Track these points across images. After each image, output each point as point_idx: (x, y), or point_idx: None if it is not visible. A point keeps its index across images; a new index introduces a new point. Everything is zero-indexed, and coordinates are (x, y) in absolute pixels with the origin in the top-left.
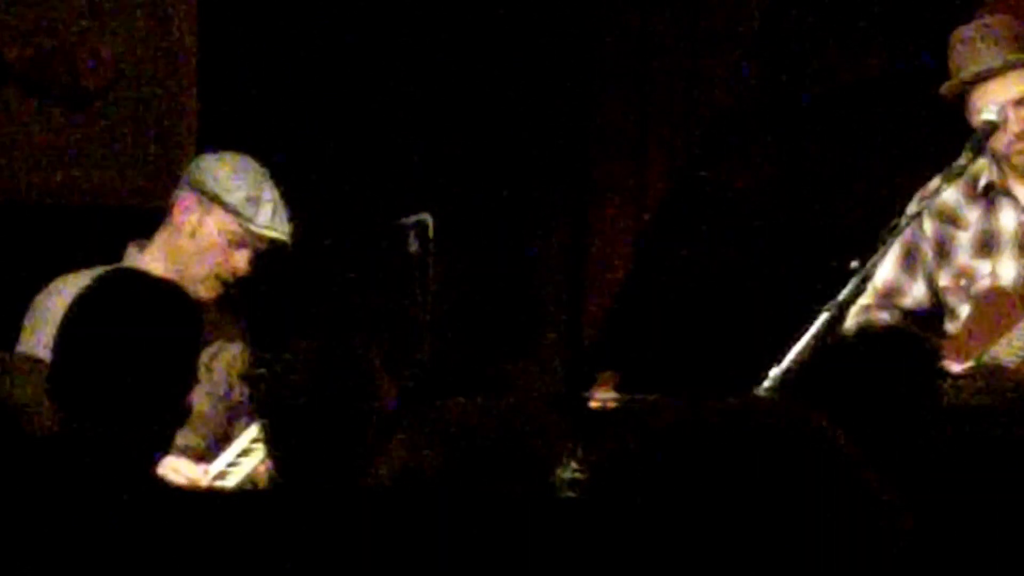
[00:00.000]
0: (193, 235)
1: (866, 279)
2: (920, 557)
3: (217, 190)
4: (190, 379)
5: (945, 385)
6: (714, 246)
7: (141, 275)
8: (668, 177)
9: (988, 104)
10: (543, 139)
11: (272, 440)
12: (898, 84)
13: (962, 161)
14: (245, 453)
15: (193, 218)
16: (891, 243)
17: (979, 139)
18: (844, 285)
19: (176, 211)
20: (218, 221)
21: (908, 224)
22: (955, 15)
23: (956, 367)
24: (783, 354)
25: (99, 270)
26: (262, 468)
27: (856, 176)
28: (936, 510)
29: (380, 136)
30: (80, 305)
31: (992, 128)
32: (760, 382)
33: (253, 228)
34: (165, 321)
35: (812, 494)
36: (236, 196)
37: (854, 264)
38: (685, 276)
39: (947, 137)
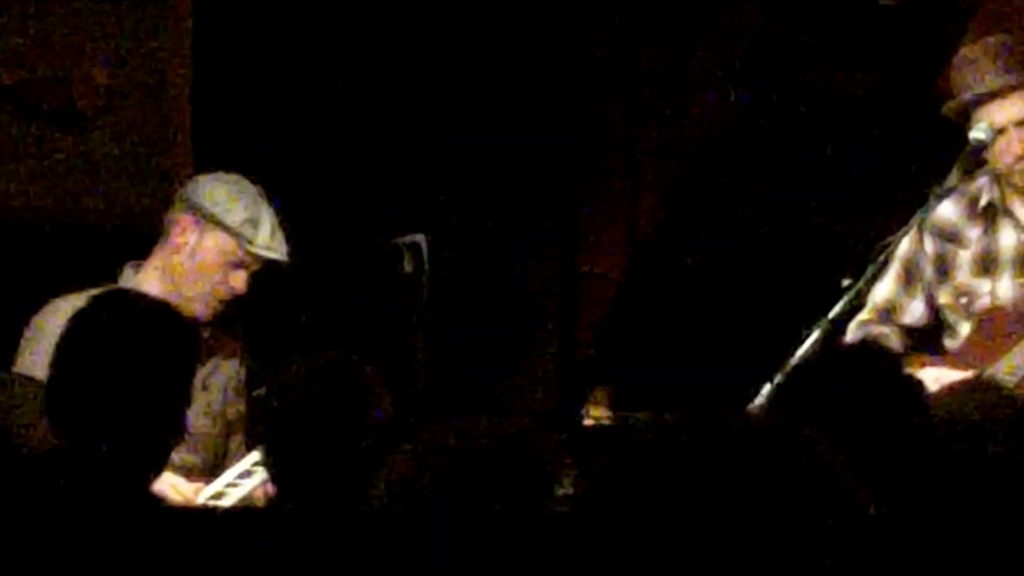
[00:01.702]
0: (191, 256)
1: (857, 296)
2: (911, 572)
3: (215, 211)
4: (185, 399)
5: (939, 400)
6: (706, 264)
7: (136, 295)
8: (659, 195)
9: (989, 124)
10: (536, 159)
11: (270, 457)
12: (888, 102)
13: (953, 179)
14: (246, 475)
15: (191, 239)
16: (882, 261)
17: (969, 156)
18: (836, 302)
19: (174, 232)
20: (216, 242)
21: (899, 242)
22: (944, 33)
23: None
24: (775, 371)
25: (95, 291)
26: (260, 491)
27: (847, 195)
28: (928, 525)
29: (375, 156)
30: (75, 325)
31: (981, 146)
32: (752, 399)
33: (252, 249)
34: (160, 341)
35: (803, 510)
36: (234, 217)
37: (846, 282)
38: (677, 294)
39: (939, 155)
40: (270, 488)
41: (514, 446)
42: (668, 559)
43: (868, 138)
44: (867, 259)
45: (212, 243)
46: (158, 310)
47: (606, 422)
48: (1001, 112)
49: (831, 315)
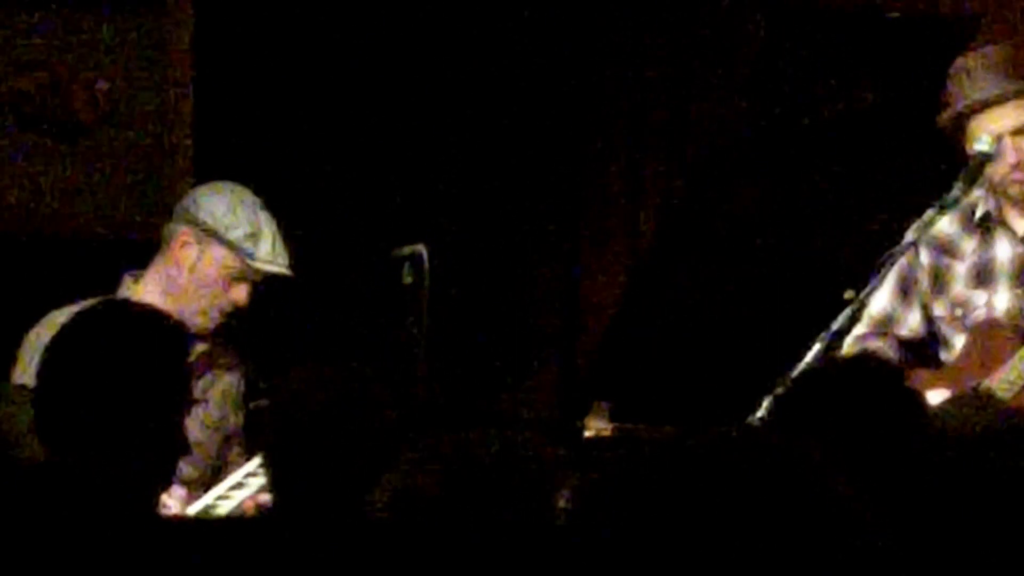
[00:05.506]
0: (192, 270)
1: (861, 309)
2: None
3: (216, 226)
4: (180, 407)
5: (935, 413)
6: (708, 276)
7: (124, 303)
8: (662, 208)
9: (985, 134)
10: (537, 171)
11: (271, 468)
12: (892, 115)
13: (956, 192)
14: (237, 487)
15: (192, 253)
16: (886, 273)
17: (973, 170)
18: (838, 315)
19: (173, 245)
20: (218, 256)
21: (902, 254)
22: (946, 46)
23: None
24: (777, 384)
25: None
26: (250, 503)
27: (850, 208)
28: (926, 537)
29: (375, 167)
30: (62, 335)
31: (986, 159)
32: (754, 412)
33: (254, 264)
34: (148, 348)
35: (803, 524)
36: (236, 232)
37: (849, 294)
38: (679, 306)
39: (941, 168)
40: (261, 499)
41: (515, 459)
42: (667, 572)
43: (873, 151)
44: (870, 272)
45: (213, 258)
46: (146, 317)
47: (607, 435)
48: (997, 121)
49: (834, 328)
